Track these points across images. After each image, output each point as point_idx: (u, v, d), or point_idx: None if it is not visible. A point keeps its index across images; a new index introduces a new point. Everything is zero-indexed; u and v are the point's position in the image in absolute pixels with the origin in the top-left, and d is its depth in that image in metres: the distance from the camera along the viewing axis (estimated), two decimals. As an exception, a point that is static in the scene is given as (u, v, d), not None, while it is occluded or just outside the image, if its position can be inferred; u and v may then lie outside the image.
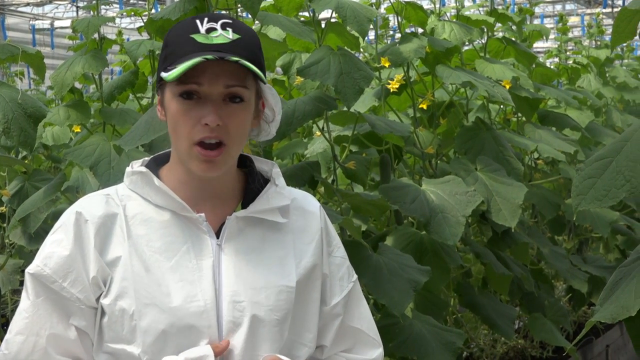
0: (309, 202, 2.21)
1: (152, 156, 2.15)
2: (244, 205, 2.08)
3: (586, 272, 5.41)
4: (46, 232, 4.40)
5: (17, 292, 6.80)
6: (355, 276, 2.23)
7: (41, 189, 3.74)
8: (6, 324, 5.16)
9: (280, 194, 2.11)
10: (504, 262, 4.43)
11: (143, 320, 1.94)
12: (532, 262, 5.14)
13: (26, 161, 5.19)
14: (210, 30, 1.96)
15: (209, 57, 1.88)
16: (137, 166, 2.09)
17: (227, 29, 1.97)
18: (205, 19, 1.98)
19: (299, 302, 2.07)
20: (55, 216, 4.40)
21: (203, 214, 2.03)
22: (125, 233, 1.99)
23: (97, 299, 1.99)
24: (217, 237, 2.04)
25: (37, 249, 5.06)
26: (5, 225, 4.77)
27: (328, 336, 2.15)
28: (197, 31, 1.96)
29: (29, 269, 2.00)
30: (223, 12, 3.28)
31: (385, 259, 3.42)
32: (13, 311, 6.57)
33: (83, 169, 4.13)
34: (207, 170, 1.98)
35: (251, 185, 2.11)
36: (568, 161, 5.43)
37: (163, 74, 1.94)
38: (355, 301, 2.21)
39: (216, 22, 1.98)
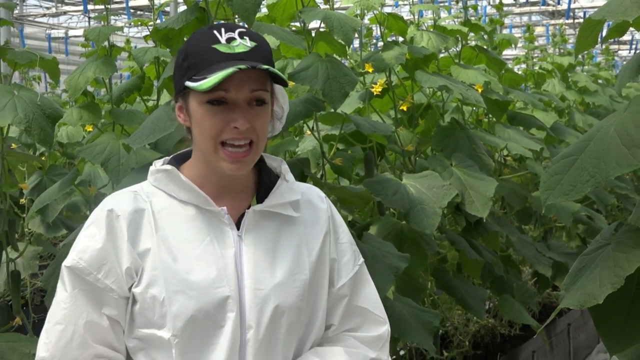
0: (316, 195, 2.19)
1: (172, 155, 2.14)
2: (258, 199, 2.07)
3: (550, 258, 5.44)
4: (62, 222, 4.44)
5: (35, 276, 6.78)
6: (362, 259, 2.21)
7: (57, 182, 3.74)
8: (25, 305, 5.14)
9: (292, 189, 2.10)
10: (476, 249, 4.44)
11: (173, 306, 1.92)
12: (501, 249, 5.15)
13: (43, 158, 5.19)
14: (230, 40, 1.94)
15: (242, 66, 1.86)
16: (160, 165, 2.07)
17: (245, 37, 1.95)
18: (223, 29, 1.96)
19: (312, 288, 2.06)
20: (70, 207, 4.42)
21: (225, 208, 2.01)
22: (154, 226, 1.98)
23: (129, 288, 1.97)
24: (237, 229, 2.02)
25: (54, 237, 5.06)
26: (24, 215, 4.76)
27: (335, 316, 2.13)
28: (218, 41, 1.93)
29: (65, 262, 1.97)
30: (224, 22, 3.27)
31: (369, 247, 3.42)
32: (32, 293, 6.55)
33: (95, 165, 4.13)
34: (237, 169, 1.96)
35: (265, 180, 2.09)
36: (534, 158, 5.45)
37: (191, 84, 1.92)
38: (362, 282, 2.18)
39: (234, 32, 1.96)
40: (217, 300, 1.93)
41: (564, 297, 2.12)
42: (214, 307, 1.93)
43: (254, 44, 1.95)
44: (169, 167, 2.04)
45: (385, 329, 2.18)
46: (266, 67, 1.89)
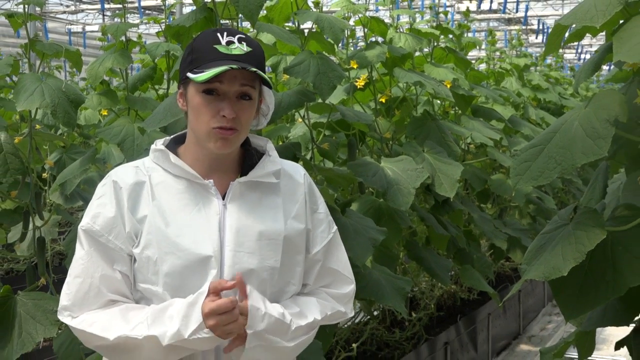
0: (295, 170, 2.23)
1: (172, 136, 2.19)
2: (243, 174, 2.12)
3: (505, 233, 5.46)
4: (79, 194, 4.39)
5: (54, 241, 6.73)
6: (335, 228, 2.25)
7: (77, 159, 3.73)
8: (46, 266, 5.09)
9: (273, 162, 2.15)
10: (442, 225, 4.44)
11: (164, 265, 1.98)
12: (464, 224, 5.15)
13: (64, 137, 5.13)
14: (229, 43, 2.01)
15: (234, 66, 1.94)
16: (159, 144, 2.13)
17: (242, 42, 2.03)
18: (225, 33, 2.04)
19: (288, 251, 2.10)
20: (87, 182, 4.37)
21: (212, 181, 2.07)
22: (150, 196, 2.04)
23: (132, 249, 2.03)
24: (223, 199, 2.07)
25: (71, 207, 5.01)
26: (46, 188, 4.72)
27: (311, 276, 2.19)
28: (219, 43, 2.01)
29: (81, 226, 2.04)
30: (228, 23, 3.23)
31: (351, 221, 3.41)
32: (52, 256, 6.49)
33: (109, 145, 4.10)
34: (222, 147, 2.02)
35: (249, 161, 2.15)
36: (494, 145, 5.43)
37: (191, 75, 2.00)
38: (335, 247, 2.23)
39: (234, 37, 2.03)
40: (200, 259, 1.98)
41: (528, 270, 2.10)
42: (198, 265, 1.98)
43: (249, 49, 2.02)
44: (162, 147, 2.10)
45: (351, 287, 2.24)
46: (254, 69, 1.96)
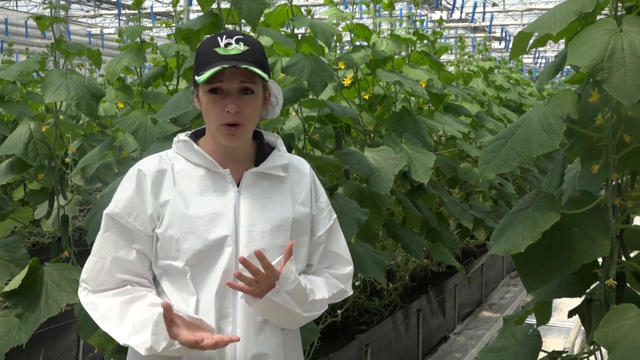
0: (302, 164, 2.21)
1: (193, 130, 2.16)
2: (256, 164, 2.10)
3: (471, 214, 5.46)
4: (98, 177, 4.36)
5: (75, 218, 6.70)
6: (335, 215, 2.23)
7: (96, 147, 3.71)
8: (68, 240, 5.07)
9: (282, 156, 2.13)
10: (417, 207, 4.43)
11: (185, 243, 1.97)
12: (435, 207, 5.15)
13: (84, 127, 5.09)
14: (227, 44, 1.97)
15: (225, 65, 1.92)
16: (182, 136, 2.11)
17: (240, 42, 1.99)
18: (224, 36, 2.00)
19: (296, 232, 2.08)
20: (105, 166, 4.34)
21: (228, 170, 2.05)
22: (172, 183, 2.02)
23: (154, 230, 2.01)
24: (238, 186, 2.05)
25: (91, 188, 4.98)
26: (69, 171, 4.69)
27: (314, 258, 2.16)
28: (218, 45, 1.98)
29: (106, 210, 2.04)
30: (232, 27, 3.20)
31: (338, 203, 3.40)
32: (73, 231, 6.45)
33: (125, 134, 4.08)
34: (230, 140, 2.01)
35: (262, 152, 2.12)
36: (462, 138, 5.43)
37: (196, 78, 1.98)
38: (335, 233, 2.21)
39: (232, 38, 1.99)
40: (218, 238, 1.97)
41: (493, 246, 2.10)
42: (215, 244, 1.97)
43: (246, 47, 1.97)
44: (186, 138, 2.09)
45: (350, 268, 2.22)
46: (245, 65, 1.92)
